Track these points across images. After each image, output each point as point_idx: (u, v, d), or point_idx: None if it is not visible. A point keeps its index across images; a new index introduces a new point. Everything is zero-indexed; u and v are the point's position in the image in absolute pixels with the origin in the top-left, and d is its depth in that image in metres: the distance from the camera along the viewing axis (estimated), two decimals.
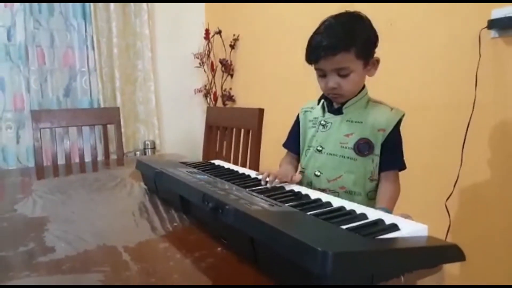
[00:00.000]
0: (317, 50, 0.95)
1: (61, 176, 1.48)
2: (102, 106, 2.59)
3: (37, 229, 0.83)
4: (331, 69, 0.96)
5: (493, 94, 1.28)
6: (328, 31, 0.95)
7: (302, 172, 1.09)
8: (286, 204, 0.72)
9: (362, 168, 0.98)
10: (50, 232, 0.81)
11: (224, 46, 2.74)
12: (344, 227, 0.60)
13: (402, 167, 1.00)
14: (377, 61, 1.00)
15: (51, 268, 0.65)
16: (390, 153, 0.98)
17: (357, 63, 0.95)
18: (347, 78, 0.95)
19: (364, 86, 1.03)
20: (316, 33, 0.98)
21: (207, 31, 2.83)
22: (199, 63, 2.88)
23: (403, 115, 0.99)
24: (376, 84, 1.08)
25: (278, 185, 0.92)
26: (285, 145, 1.18)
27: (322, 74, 0.99)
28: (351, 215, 0.68)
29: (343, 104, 1.01)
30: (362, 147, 0.97)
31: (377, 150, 0.97)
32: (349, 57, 0.93)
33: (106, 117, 1.93)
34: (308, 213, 0.68)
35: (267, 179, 0.93)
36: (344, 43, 0.92)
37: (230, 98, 2.79)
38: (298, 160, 1.14)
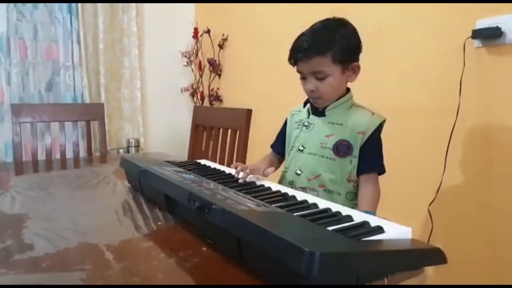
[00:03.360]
0: (296, 52, 0.99)
1: (41, 172, 1.44)
2: (86, 102, 2.54)
3: (15, 226, 0.80)
4: (309, 72, 0.99)
5: (477, 102, 1.31)
6: (310, 35, 0.99)
7: (284, 172, 1.12)
8: (273, 205, 0.72)
9: (340, 169, 1.01)
10: (29, 229, 0.79)
11: (212, 45, 2.73)
12: (330, 228, 0.61)
13: (382, 170, 1.03)
14: (358, 67, 1.01)
15: (29, 266, 0.63)
16: (370, 157, 1.00)
17: (333, 68, 0.97)
18: (324, 81, 0.98)
19: (349, 91, 1.06)
20: (299, 35, 1.01)
21: (195, 30, 2.81)
22: (187, 62, 2.86)
23: (384, 121, 1.01)
24: (363, 88, 1.10)
25: (251, 180, 0.95)
26: (272, 145, 1.23)
27: (302, 77, 1.03)
28: (337, 217, 0.68)
29: (326, 106, 1.04)
30: (341, 148, 1.00)
31: (356, 152, 0.99)
32: (325, 61, 0.96)
33: (90, 113, 1.89)
34: (295, 214, 0.68)
35: (240, 174, 0.96)
36: (319, 48, 0.96)
37: (217, 98, 2.78)
38: (280, 161, 1.19)
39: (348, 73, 1.00)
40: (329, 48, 0.95)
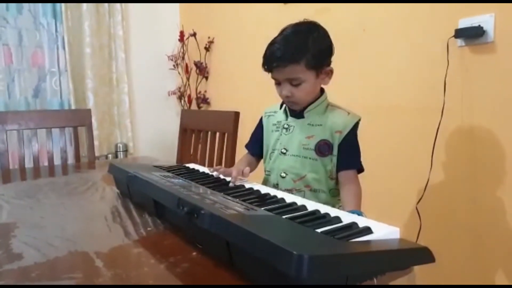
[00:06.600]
0: (270, 61, 1.00)
1: (29, 180, 1.42)
2: (73, 107, 2.51)
3: (3, 236, 0.79)
4: (284, 79, 1.01)
5: (461, 100, 1.33)
6: (282, 42, 1.00)
7: (268, 176, 1.13)
8: (262, 208, 0.72)
9: (323, 168, 1.04)
10: (17, 238, 0.78)
11: (199, 48, 2.73)
12: (319, 230, 0.61)
13: (360, 168, 1.06)
14: (331, 71, 1.04)
15: (18, 276, 0.62)
16: (348, 154, 1.03)
17: (308, 74, 0.99)
18: (299, 87, 1.00)
19: (323, 92, 1.08)
20: (271, 42, 1.02)
21: (181, 33, 2.81)
22: (173, 65, 2.85)
23: (359, 120, 1.05)
24: (348, 88, 1.11)
25: (239, 184, 0.95)
26: (247, 146, 1.24)
27: (277, 82, 1.05)
28: (326, 219, 0.69)
29: (304, 109, 1.06)
30: (323, 148, 1.03)
31: (335, 151, 1.03)
32: (299, 68, 0.98)
33: (77, 119, 1.87)
34: (284, 216, 0.68)
35: (227, 178, 0.96)
36: (293, 56, 0.97)
37: (205, 101, 2.78)
38: (257, 161, 1.21)
39: (322, 76, 1.03)
40: (303, 55, 0.97)
